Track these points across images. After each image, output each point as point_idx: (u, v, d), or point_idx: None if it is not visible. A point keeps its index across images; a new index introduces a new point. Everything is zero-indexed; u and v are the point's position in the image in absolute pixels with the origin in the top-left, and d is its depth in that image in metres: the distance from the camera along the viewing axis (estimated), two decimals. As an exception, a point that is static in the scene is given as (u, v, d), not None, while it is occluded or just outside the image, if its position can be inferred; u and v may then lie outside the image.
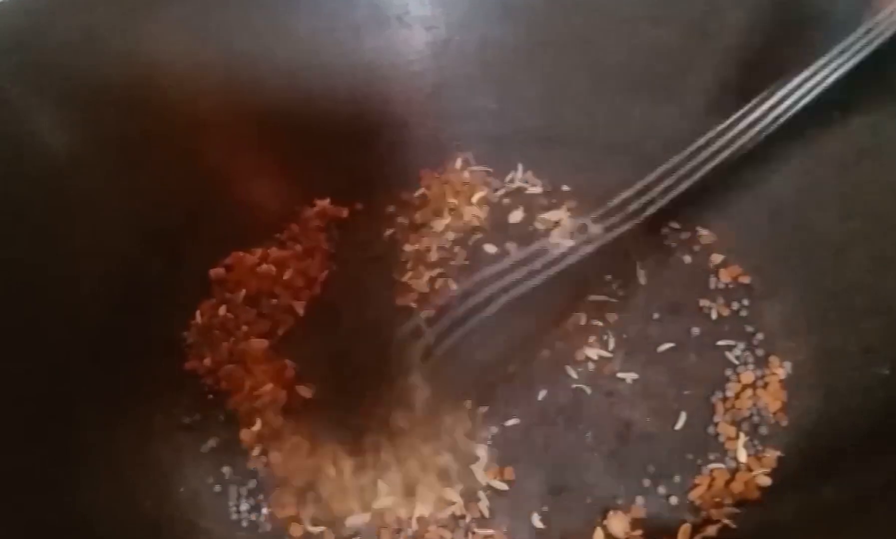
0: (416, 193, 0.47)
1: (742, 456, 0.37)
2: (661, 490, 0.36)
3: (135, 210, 0.41)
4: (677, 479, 0.37)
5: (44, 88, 0.39)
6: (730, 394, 0.39)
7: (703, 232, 0.44)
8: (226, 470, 0.38)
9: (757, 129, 0.38)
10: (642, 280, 0.43)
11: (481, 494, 0.36)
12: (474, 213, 0.46)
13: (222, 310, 0.43)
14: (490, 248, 0.45)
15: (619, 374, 0.40)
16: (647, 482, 0.36)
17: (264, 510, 0.37)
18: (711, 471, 0.37)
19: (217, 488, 0.38)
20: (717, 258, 0.43)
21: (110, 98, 0.40)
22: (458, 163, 0.48)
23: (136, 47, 0.41)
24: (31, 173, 0.38)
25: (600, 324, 0.42)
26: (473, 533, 0.36)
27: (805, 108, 0.38)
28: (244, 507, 0.37)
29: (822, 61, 0.37)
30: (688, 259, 0.44)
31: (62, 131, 0.39)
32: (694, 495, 0.36)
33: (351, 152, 0.46)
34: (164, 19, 0.42)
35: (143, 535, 0.35)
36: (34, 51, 0.38)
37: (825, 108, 0.38)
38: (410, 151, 0.48)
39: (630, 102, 0.45)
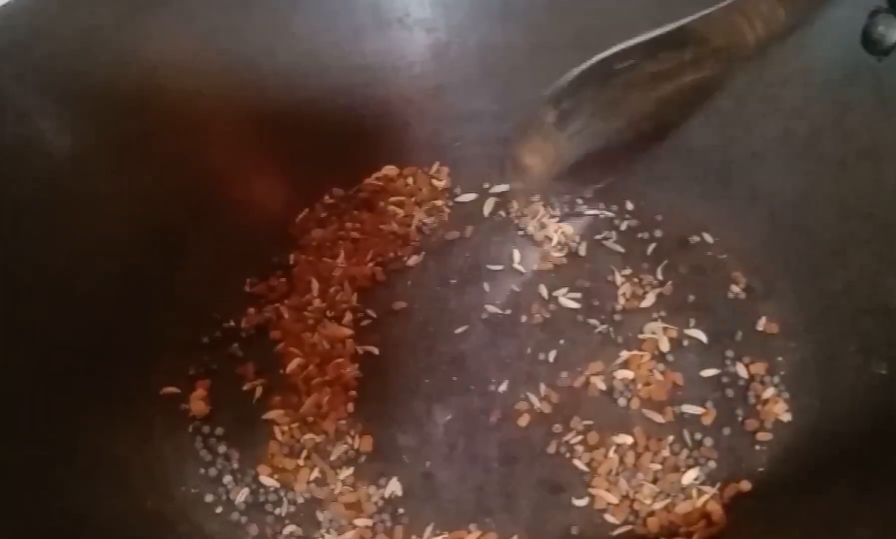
0: (417, 193, 0.47)
1: (741, 456, 0.37)
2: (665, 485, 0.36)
3: (135, 210, 0.41)
4: (677, 476, 0.37)
5: (45, 89, 0.39)
6: (729, 394, 0.39)
7: (703, 234, 0.44)
8: (228, 469, 0.38)
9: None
10: (641, 281, 0.43)
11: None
12: (474, 212, 0.47)
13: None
14: (494, 251, 0.45)
15: (617, 374, 0.40)
16: (648, 478, 0.37)
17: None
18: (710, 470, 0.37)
19: (219, 488, 0.37)
20: (715, 259, 0.43)
21: (111, 98, 0.40)
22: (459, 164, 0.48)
23: (136, 48, 0.41)
24: (31, 173, 0.38)
25: (597, 322, 0.42)
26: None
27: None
28: (244, 507, 0.37)
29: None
30: (686, 260, 0.44)
31: (63, 132, 0.39)
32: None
33: (352, 153, 0.46)
34: (164, 20, 0.41)
35: (144, 535, 0.35)
36: (35, 52, 0.38)
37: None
38: (411, 153, 0.48)
39: (630, 104, 0.45)
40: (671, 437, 0.38)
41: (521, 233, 0.46)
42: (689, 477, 0.37)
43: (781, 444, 0.37)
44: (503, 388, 0.40)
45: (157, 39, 0.41)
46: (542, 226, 0.45)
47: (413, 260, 0.45)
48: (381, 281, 0.44)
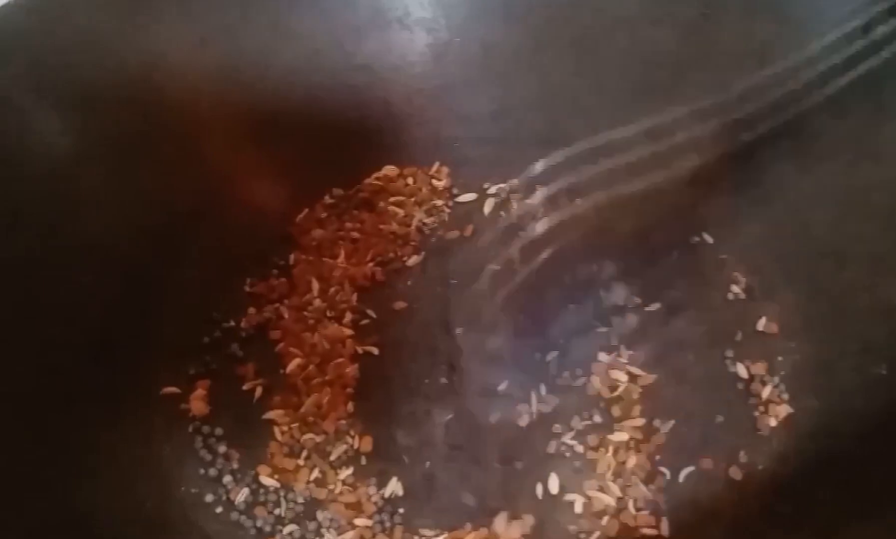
0: (417, 193, 0.47)
1: (741, 456, 0.37)
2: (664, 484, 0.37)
3: (135, 210, 0.41)
4: (676, 476, 0.37)
5: (45, 89, 0.38)
6: (729, 394, 0.39)
7: (703, 234, 0.44)
8: (228, 469, 0.38)
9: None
10: (641, 281, 0.43)
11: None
12: (474, 212, 0.47)
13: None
14: (494, 251, 0.45)
15: (615, 375, 0.40)
16: (647, 478, 0.37)
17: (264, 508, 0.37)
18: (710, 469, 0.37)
19: (219, 488, 0.37)
20: (715, 259, 0.43)
21: (111, 98, 0.40)
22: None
23: (136, 48, 0.41)
24: (31, 173, 0.37)
25: (597, 323, 0.42)
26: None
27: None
28: (244, 507, 0.37)
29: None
30: (686, 260, 0.44)
31: (63, 131, 0.39)
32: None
33: (352, 153, 0.46)
34: (164, 20, 0.41)
35: (144, 535, 0.35)
36: (35, 52, 0.38)
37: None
38: (412, 153, 0.48)
39: (630, 103, 0.45)
40: (671, 438, 0.38)
41: (521, 233, 0.45)
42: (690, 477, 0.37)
43: (781, 444, 0.37)
44: (503, 388, 0.40)
45: (157, 40, 0.41)
46: (542, 226, 0.45)
47: (413, 260, 0.45)
48: (381, 281, 0.44)
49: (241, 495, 0.37)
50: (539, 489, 0.37)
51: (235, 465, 0.38)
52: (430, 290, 0.44)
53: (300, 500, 0.37)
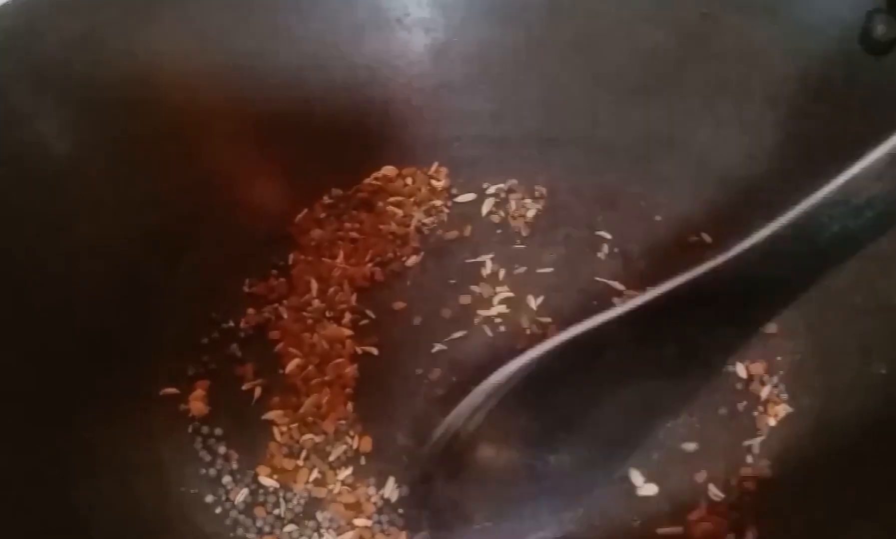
0: (416, 193, 0.48)
1: (741, 455, 0.37)
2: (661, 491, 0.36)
3: (135, 210, 0.41)
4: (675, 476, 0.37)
5: (44, 89, 0.39)
6: (728, 394, 0.39)
7: (702, 234, 0.44)
8: (227, 470, 0.38)
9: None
10: (640, 282, 0.43)
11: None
12: (473, 212, 0.47)
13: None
14: (493, 251, 0.45)
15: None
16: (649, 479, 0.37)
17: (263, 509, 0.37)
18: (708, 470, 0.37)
19: (219, 489, 0.37)
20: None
21: (111, 98, 0.40)
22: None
23: (136, 48, 0.41)
24: (30, 173, 0.38)
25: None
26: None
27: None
28: (244, 507, 0.37)
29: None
30: (685, 260, 0.44)
31: (62, 131, 0.39)
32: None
33: (351, 153, 0.46)
34: (164, 20, 0.42)
35: (143, 536, 0.35)
36: (34, 51, 0.38)
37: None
38: (410, 153, 0.48)
39: (628, 104, 0.45)
40: (671, 438, 0.38)
41: (519, 232, 0.46)
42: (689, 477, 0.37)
43: (781, 444, 0.37)
44: (503, 387, 0.40)
45: (157, 39, 0.41)
46: (542, 227, 0.45)
47: (412, 260, 0.45)
48: (380, 281, 0.44)
49: (241, 496, 0.37)
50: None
51: (235, 466, 0.38)
52: (430, 291, 0.44)
53: (299, 500, 0.37)
